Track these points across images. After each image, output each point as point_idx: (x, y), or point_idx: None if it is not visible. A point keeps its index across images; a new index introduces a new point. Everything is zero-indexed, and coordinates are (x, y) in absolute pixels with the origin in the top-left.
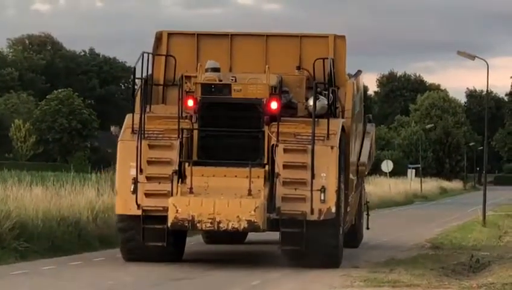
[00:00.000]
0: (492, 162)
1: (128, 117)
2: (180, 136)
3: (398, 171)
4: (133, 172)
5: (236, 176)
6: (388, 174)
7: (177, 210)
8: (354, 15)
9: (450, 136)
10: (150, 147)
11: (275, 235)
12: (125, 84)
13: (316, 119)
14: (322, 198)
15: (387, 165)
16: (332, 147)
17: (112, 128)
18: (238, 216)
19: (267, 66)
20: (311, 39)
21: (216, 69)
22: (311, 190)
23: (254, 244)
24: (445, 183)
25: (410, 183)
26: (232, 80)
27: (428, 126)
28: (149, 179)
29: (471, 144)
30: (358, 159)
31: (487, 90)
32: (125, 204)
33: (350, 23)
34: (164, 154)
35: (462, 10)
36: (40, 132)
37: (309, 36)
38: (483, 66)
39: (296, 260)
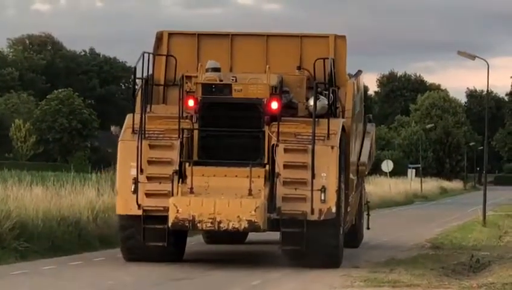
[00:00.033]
0: (493, 162)
1: (128, 117)
2: (181, 136)
3: (398, 171)
4: (134, 172)
5: (236, 176)
6: (388, 174)
7: (177, 210)
8: (354, 15)
9: (450, 136)
10: (151, 147)
11: (275, 235)
12: (126, 84)
13: (317, 119)
14: (323, 198)
15: (387, 165)
16: (332, 147)
17: (112, 128)
18: (238, 216)
19: (267, 66)
20: (311, 39)
21: (217, 69)
22: (312, 190)
23: (254, 244)
24: (446, 183)
25: (411, 183)
26: (233, 80)
27: (429, 126)
28: (149, 179)
29: (471, 144)
30: (359, 159)
31: (487, 90)
32: (125, 204)
33: (350, 23)
34: (165, 154)
35: (462, 10)
36: (40, 132)
37: (309, 36)
38: (483, 66)
39: (296, 259)
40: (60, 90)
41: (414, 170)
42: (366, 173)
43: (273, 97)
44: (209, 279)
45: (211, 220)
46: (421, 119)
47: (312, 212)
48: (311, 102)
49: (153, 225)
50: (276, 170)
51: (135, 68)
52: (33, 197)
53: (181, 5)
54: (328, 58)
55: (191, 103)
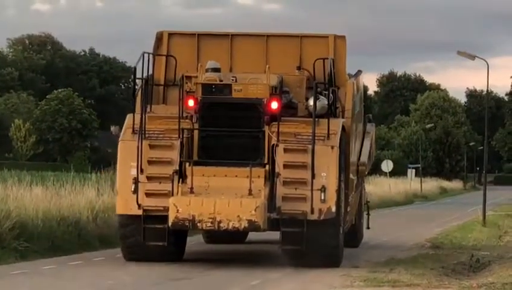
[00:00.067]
0: (493, 162)
1: (128, 117)
2: (181, 136)
3: (398, 171)
4: (134, 172)
5: (236, 176)
6: (388, 174)
7: (177, 210)
8: (354, 15)
9: (450, 136)
10: (151, 147)
11: (276, 235)
12: (125, 84)
13: (316, 119)
14: (323, 198)
15: (387, 165)
16: (332, 147)
17: (112, 128)
18: (238, 216)
19: (267, 66)
20: (311, 39)
21: (216, 69)
22: (312, 190)
23: (254, 244)
24: (445, 183)
25: (410, 183)
26: (233, 80)
27: (428, 126)
28: (150, 178)
29: (471, 143)
30: (359, 158)
31: (487, 90)
32: (125, 204)
33: (350, 23)
34: (165, 154)
35: (462, 10)
36: (40, 132)
37: (309, 36)
38: (483, 66)
39: (296, 259)
40: (59, 90)
41: (414, 170)
42: (366, 172)
43: (273, 97)
44: (208, 279)
45: (211, 220)
46: (420, 119)
47: (312, 212)
48: (311, 102)
49: (153, 224)
50: (276, 170)
51: (135, 68)
52: (33, 197)
53: (181, 5)
54: (327, 58)
55: (191, 103)
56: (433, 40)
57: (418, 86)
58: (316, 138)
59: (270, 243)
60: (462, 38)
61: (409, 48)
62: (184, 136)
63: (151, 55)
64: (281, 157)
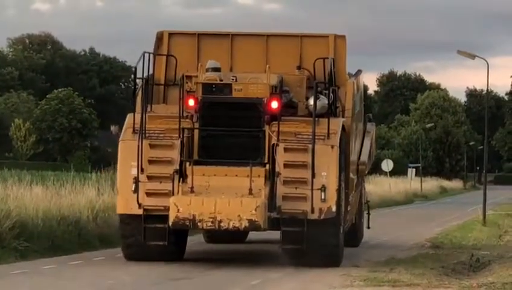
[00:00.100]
0: (493, 162)
1: (129, 117)
2: (181, 135)
3: (398, 171)
4: (134, 171)
5: (237, 175)
6: (388, 174)
7: (178, 209)
8: (354, 15)
9: (450, 135)
10: (151, 146)
11: (276, 235)
12: (125, 84)
13: (317, 119)
14: (323, 197)
15: (387, 165)
16: (332, 146)
17: (112, 128)
18: (239, 215)
19: (267, 66)
20: (311, 39)
21: (217, 69)
22: (312, 189)
23: (255, 243)
24: (445, 183)
25: (410, 182)
26: (233, 79)
27: (429, 125)
28: (150, 178)
29: (471, 143)
30: (359, 158)
31: (487, 90)
32: (126, 203)
33: (350, 23)
34: (165, 154)
35: (462, 10)
36: (40, 131)
37: (309, 36)
38: (483, 66)
39: (296, 259)
40: (59, 89)
41: (414, 170)
42: (366, 172)
43: (273, 97)
44: (208, 278)
45: (211, 220)
46: (420, 118)
47: (312, 211)
48: (311, 101)
49: (154, 224)
50: (277, 169)
51: (136, 68)
52: (33, 196)
53: (181, 5)
54: (328, 58)
55: (191, 102)
56: (433, 40)
57: (418, 85)
58: (316, 137)
59: (270, 242)
60: (462, 38)
61: (409, 48)
62: (184, 135)
63: (151, 55)
64: (281, 157)
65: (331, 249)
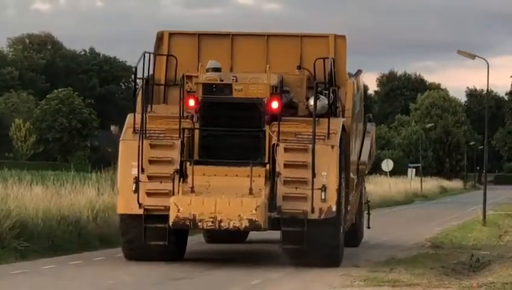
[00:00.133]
0: (493, 162)
1: (129, 117)
2: (182, 135)
3: (399, 171)
4: (135, 171)
5: (237, 175)
6: (388, 174)
7: (178, 209)
8: (354, 15)
9: (450, 135)
10: (152, 146)
11: (276, 234)
12: (126, 84)
13: (317, 119)
14: (323, 197)
15: (387, 165)
16: (332, 146)
17: (112, 128)
18: (239, 215)
19: (267, 66)
20: (311, 39)
21: (217, 69)
22: (312, 189)
23: (255, 243)
24: (446, 183)
25: (411, 182)
26: (233, 79)
27: (429, 125)
28: (150, 178)
29: (471, 143)
30: (359, 158)
31: (487, 90)
32: (126, 203)
33: (350, 23)
34: (165, 154)
35: (462, 10)
36: (40, 131)
37: (309, 36)
38: (483, 66)
39: (296, 258)
40: (59, 89)
41: (414, 169)
42: (366, 172)
43: (273, 97)
44: (208, 278)
45: (211, 219)
46: (421, 118)
47: (312, 211)
48: (312, 101)
49: (154, 224)
50: (277, 169)
51: (136, 68)
52: (33, 196)
53: (181, 5)
54: (328, 58)
55: (191, 102)
56: (433, 40)
57: (418, 85)
58: (316, 137)
59: (270, 242)
60: (462, 38)
61: (409, 48)
62: (185, 135)
63: (151, 55)
64: (281, 157)
65: (331, 249)
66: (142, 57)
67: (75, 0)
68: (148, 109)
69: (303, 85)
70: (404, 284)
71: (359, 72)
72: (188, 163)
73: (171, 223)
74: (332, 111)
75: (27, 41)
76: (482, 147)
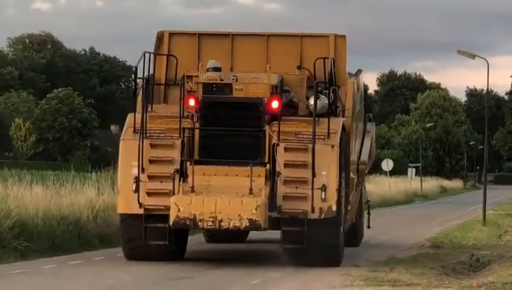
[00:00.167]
0: (493, 161)
1: (130, 116)
2: (182, 135)
3: (399, 170)
4: (135, 171)
5: (237, 175)
6: (388, 173)
7: (178, 209)
8: (354, 15)
9: (450, 135)
10: (152, 146)
11: (276, 234)
12: (126, 83)
13: (317, 119)
14: (323, 197)
15: (387, 164)
16: (332, 146)
17: (112, 127)
18: (239, 215)
19: (268, 66)
20: (311, 39)
21: (217, 69)
22: (312, 189)
23: (255, 243)
24: (446, 182)
25: (411, 182)
26: (233, 79)
27: (429, 125)
28: (151, 178)
29: (471, 143)
30: (359, 158)
31: (487, 89)
32: (127, 203)
33: (350, 23)
34: (166, 154)
35: (462, 10)
36: (40, 131)
37: (310, 36)
38: (483, 65)
39: (297, 258)
40: (59, 89)
41: (414, 169)
42: (366, 171)
43: (273, 96)
44: (209, 278)
45: (212, 219)
46: (421, 118)
47: (313, 210)
48: (312, 101)
49: (154, 223)
50: (277, 169)
51: (136, 68)
52: (33, 196)
53: (181, 5)
54: (328, 58)
55: (191, 102)
56: (433, 40)
57: (418, 85)
58: (316, 137)
59: (270, 242)
60: (462, 38)
61: (409, 48)
62: (185, 135)
63: (152, 55)
64: (281, 157)
65: (331, 248)
66: (143, 57)
67: (75, 0)
68: (149, 109)
69: (303, 85)
70: (404, 284)
71: (359, 71)
72: (188, 163)
73: (171, 223)
74: (332, 111)
75: (27, 41)
76: (482, 146)
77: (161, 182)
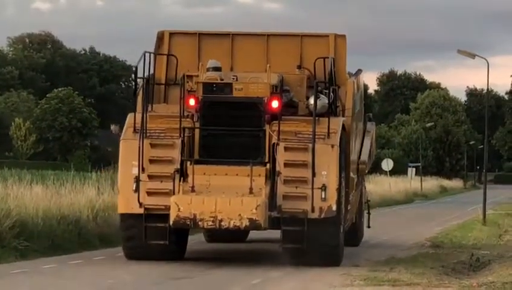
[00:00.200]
0: (493, 161)
1: (130, 116)
2: (182, 135)
3: (399, 170)
4: (135, 171)
5: (237, 175)
6: (388, 173)
7: (179, 208)
8: (354, 15)
9: (450, 134)
10: (152, 145)
11: (276, 234)
12: (126, 83)
13: (317, 118)
14: (323, 196)
15: (387, 164)
16: (332, 146)
17: (112, 127)
18: (239, 214)
19: (268, 65)
20: (311, 38)
21: (217, 69)
22: (312, 188)
23: (255, 242)
24: (446, 182)
25: (411, 182)
26: (233, 79)
27: (429, 125)
28: (151, 177)
29: (471, 142)
30: (359, 157)
31: (487, 89)
32: (127, 203)
33: (350, 23)
34: (166, 153)
35: (462, 10)
36: (40, 131)
37: (310, 35)
38: (483, 65)
39: (296, 258)
40: (59, 89)
41: (414, 169)
42: (366, 171)
43: (273, 96)
44: (209, 278)
45: (212, 219)
46: (421, 118)
47: (313, 210)
48: (312, 101)
49: (155, 223)
50: (277, 169)
51: (136, 67)
52: (33, 195)
53: (181, 4)
54: (328, 58)
55: (192, 102)
56: (433, 40)
57: (418, 84)
58: (316, 136)
59: (270, 241)
60: (462, 38)
61: (409, 48)
62: (185, 135)
63: (152, 55)
64: (281, 156)
65: (331, 248)
66: (143, 57)
67: (75, 0)
68: (149, 109)
69: (303, 84)
70: (404, 284)
71: (359, 71)
72: (188, 162)
73: (171, 223)
74: (332, 110)
75: (27, 40)
76: (482, 146)
77: (161, 181)
